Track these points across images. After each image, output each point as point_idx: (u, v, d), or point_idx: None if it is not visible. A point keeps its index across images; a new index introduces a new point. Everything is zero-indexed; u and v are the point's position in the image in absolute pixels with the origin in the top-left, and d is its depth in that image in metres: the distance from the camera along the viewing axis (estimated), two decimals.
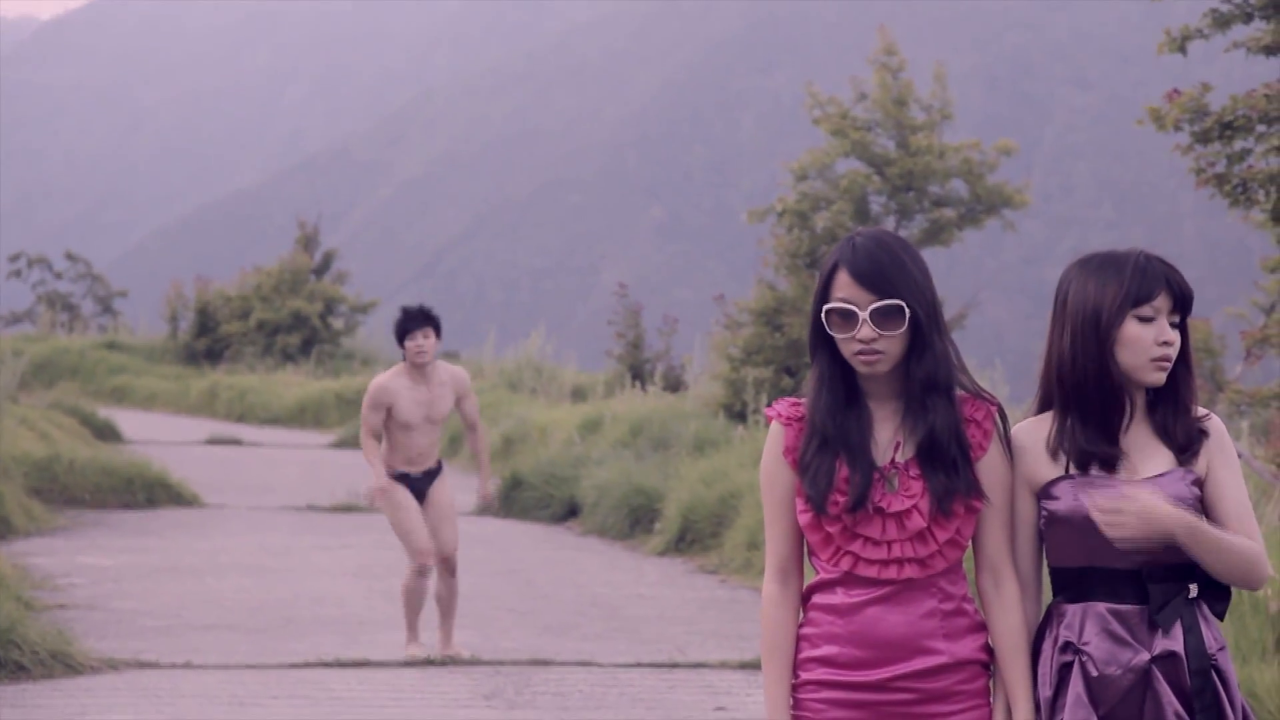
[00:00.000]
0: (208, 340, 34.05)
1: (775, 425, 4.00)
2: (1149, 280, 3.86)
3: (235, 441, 24.74)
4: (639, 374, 22.85)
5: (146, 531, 15.93)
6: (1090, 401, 3.88)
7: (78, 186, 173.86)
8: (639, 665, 10.17)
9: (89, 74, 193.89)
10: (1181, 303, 3.90)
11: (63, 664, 9.70)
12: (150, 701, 9.04)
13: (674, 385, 22.08)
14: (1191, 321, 3.99)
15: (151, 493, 17.82)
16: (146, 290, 53.38)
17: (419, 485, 10.44)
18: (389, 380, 10.34)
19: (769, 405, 4.09)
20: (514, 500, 17.83)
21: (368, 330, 36.15)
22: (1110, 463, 3.88)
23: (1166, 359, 3.87)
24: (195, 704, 8.99)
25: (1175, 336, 3.89)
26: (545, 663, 10.18)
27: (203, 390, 30.89)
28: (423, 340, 10.33)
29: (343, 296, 34.11)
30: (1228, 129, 10.64)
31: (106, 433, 23.32)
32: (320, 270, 34.35)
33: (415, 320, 10.38)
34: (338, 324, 34.21)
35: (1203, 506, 3.89)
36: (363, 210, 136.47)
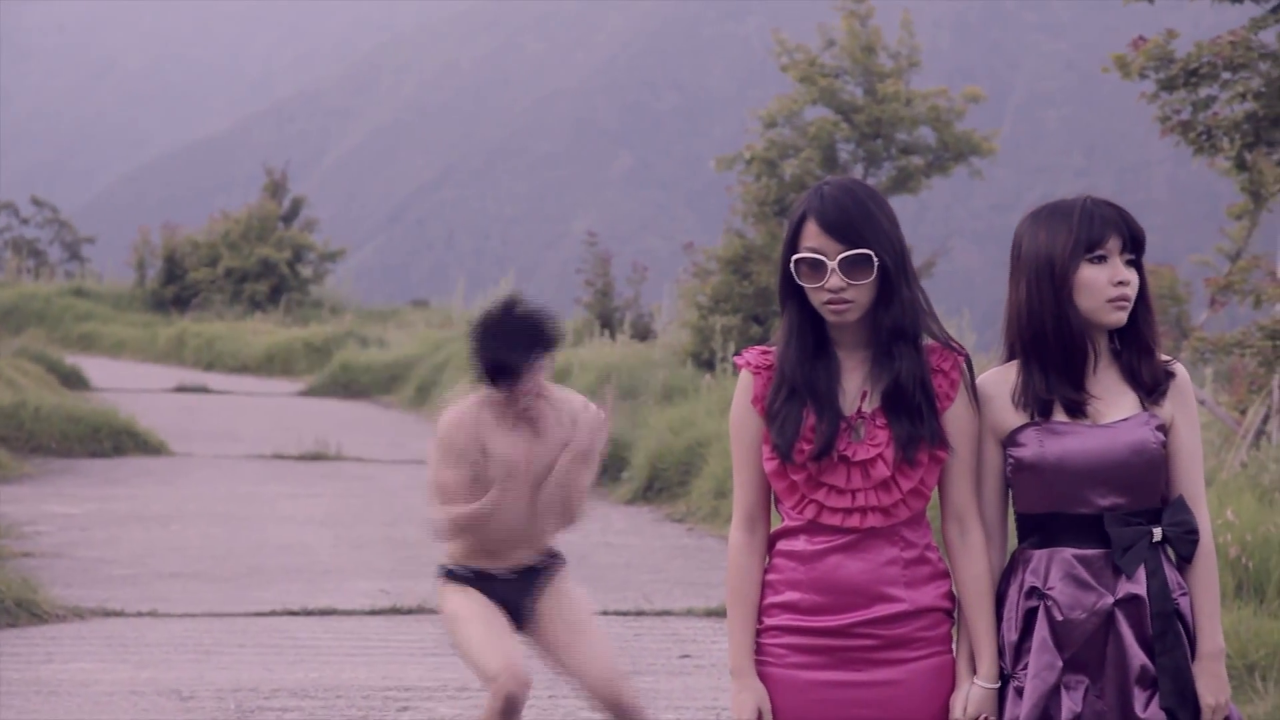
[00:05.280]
0: (175, 287, 33.91)
1: (744, 373, 4.00)
2: (1097, 224, 3.89)
3: (203, 389, 24.67)
4: (608, 322, 22.83)
5: (113, 479, 15.89)
6: (1050, 349, 3.91)
7: (44, 131, 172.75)
8: (605, 613, 10.16)
9: (55, 16, 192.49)
10: (1134, 243, 3.93)
11: (28, 612, 9.67)
12: (116, 650, 9.03)
13: (642, 334, 22.07)
14: (1155, 269, 4.04)
15: (118, 440, 17.77)
16: (114, 236, 53.11)
17: (511, 595, 6.22)
18: (470, 412, 6.02)
19: (738, 353, 4.09)
20: None
21: (336, 278, 36.05)
22: (1075, 408, 3.89)
23: (1124, 298, 3.89)
24: (161, 652, 8.98)
25: (1131, 276, 3.91)
26: None
27: (170, 338, 30.78)
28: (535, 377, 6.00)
29: (311, 244, 33.99)
30: (1193, 76, 10.65)
31: (73, 380, 23.22)
32: (289, 217, 34.21)
33: (525, 345, 5.91)
34: (306, 272, 34.08)
35: (1165, 451, 3.91)
36: (331, 157, 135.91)
